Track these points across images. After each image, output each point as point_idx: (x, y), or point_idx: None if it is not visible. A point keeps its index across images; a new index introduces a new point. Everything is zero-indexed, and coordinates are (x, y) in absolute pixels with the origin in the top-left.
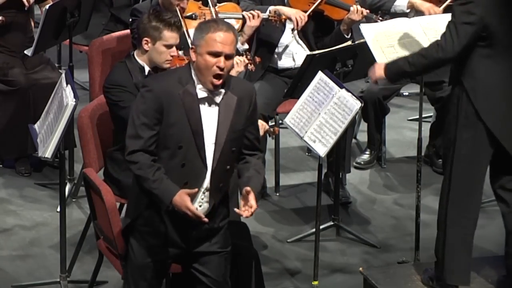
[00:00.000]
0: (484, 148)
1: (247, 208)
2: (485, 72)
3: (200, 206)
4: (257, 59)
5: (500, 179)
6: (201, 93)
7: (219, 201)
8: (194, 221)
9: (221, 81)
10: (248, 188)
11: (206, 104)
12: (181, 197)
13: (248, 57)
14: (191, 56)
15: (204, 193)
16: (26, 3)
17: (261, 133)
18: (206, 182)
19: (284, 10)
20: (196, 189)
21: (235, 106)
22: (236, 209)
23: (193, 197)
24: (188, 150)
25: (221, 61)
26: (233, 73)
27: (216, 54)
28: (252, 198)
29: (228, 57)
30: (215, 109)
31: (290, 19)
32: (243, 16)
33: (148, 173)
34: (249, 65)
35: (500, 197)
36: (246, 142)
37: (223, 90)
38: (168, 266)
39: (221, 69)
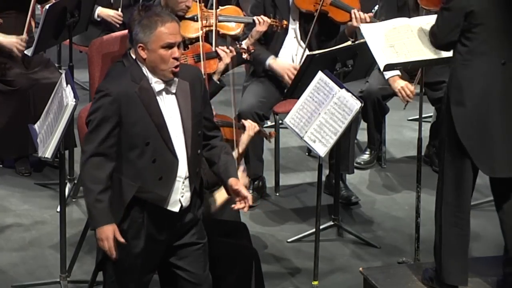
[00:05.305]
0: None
1: (243, 202)
2: (462, 65)
3: (182, 196)
4: (251, 48)
5: (495, 185)
6: (158, 86)
7: (193, 191)
8: (177, 213)
9: (178, 68)
10: (235, 181)
11: (163, 96)
12: (110, 229)
13: (242, 46)
14: (140, 54)
15: (183, 182)
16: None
17: (251, 133)
18: (183, 172)
19: (275, 68)
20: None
21: (190, 91)
22: (234, 206)
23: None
24: (156, 145)
25: (176, 51)
26: (221, 66)
27: (170, 46)
28: (243, 189)
29: (179, 45)
30: (172, 99)
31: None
32: (254, 20)
33: (95, 190)
34: (243, 54)
35: (497, 204)
36: (205, 123)
37: (176, 79)
38: (157, 264)
39: (177, 59)
